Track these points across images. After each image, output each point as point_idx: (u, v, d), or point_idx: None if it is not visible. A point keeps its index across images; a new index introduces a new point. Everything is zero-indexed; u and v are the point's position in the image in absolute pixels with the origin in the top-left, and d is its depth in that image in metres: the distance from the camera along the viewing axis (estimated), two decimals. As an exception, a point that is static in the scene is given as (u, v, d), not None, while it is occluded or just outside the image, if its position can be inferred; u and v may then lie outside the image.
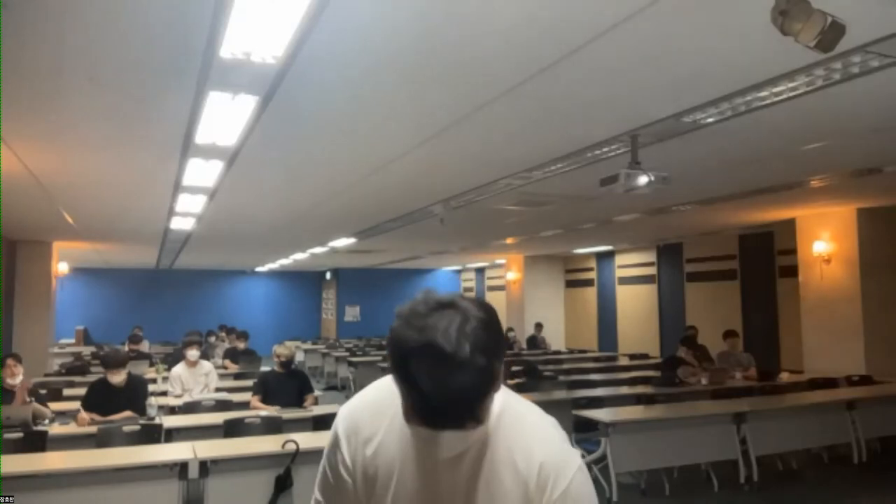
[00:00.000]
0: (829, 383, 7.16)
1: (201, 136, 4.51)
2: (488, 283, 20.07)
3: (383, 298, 20.49)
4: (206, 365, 7.14)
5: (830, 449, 6.54)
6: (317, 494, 1.38)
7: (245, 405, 6.01)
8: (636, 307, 14.22)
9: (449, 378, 1.03)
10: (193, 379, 6.87)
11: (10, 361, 5.19)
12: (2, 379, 5.12)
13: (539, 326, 14.23)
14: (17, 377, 5.18)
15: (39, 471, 3.89)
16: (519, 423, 1.24)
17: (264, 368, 8.45)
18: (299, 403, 5.93)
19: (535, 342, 13.76)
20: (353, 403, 1.36)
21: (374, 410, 1.30)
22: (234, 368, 9.62)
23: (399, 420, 1.20)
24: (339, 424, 1.33)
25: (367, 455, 1.27)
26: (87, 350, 13.36)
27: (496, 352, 1.09)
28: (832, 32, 2.25)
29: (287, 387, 6.02)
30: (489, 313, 1.11)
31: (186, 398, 6.38)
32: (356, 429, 1.30)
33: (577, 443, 5.71)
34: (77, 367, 9.43)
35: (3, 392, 5.04)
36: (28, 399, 5.19)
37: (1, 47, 2.91)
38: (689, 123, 4.23)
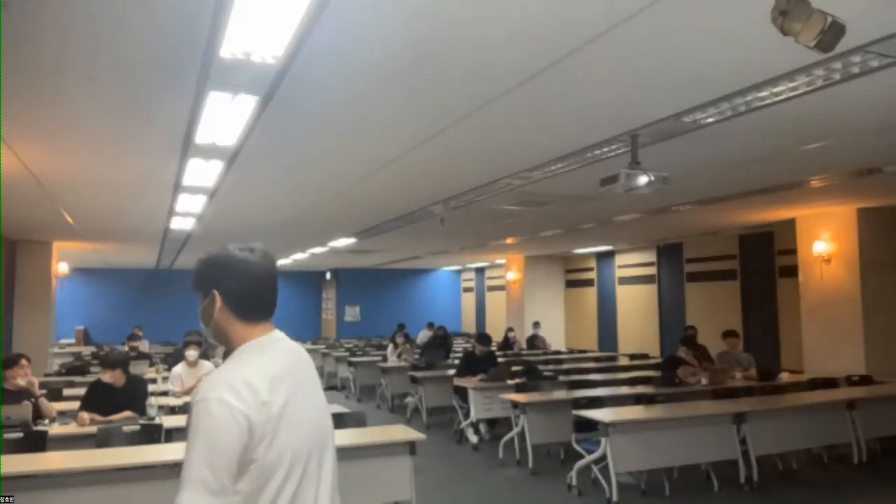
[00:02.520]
0: (829, 383, 7.15)
1: (201, 136, 4.51)
2: (488, 283, 20.06)
3: (383, 298, 20.49)
4: (207, 365, 7.15)
5: (830, 449, 6.54)
6: None
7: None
8: (636, 307, 14.22)
9: None
10: (193, 379, 6.87)
11: (23, 362, 5.20)
12: (4, 379, 5.11)
13: (536, 325, 14.25)
14: (27, 378, 5.19)
15: (39, 471, 3.89)
16: (223, 365, 1.63)
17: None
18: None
19: (534, 342, 13.75)
20: None
21: None
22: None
23: None
24: None
25: None
26: (87, 350, 13.37)
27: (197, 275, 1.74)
28: (832, 32, 2.25)
29: None
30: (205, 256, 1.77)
31: (186, 398, 6.37)
32: None
33: (577, 443, 5.72)
34: (77, 367, 9.41)
35: (12, 393, 5.03)
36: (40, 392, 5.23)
37: (1, 47, 2.91)
38: (689, 123, 4.23)
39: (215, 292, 1.65)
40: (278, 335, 1.70)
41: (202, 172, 5.70)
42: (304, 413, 1.62)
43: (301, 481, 1.57)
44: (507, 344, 13.55)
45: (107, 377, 5.29)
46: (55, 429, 4.98)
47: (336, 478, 1.71)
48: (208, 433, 1.45)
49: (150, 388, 5.88)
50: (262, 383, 1.53)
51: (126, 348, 10.37)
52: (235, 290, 1.66)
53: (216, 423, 1.46)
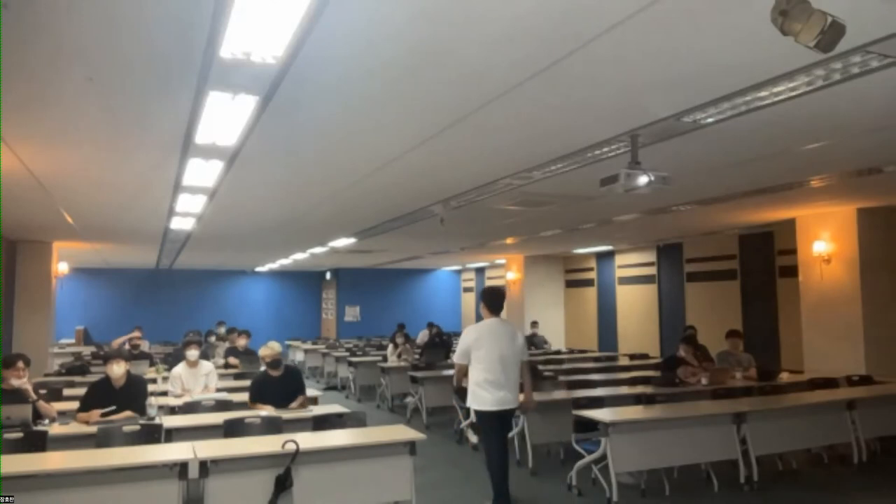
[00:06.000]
0: (829, 383, 7.15)
1: (201, 136, 4.52)
2: (488, 283, 20.04)
3: (383, 298, 20.50)
4: (207, 365, 7.14)
5: (830, 449, 6.55)
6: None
7: (245, 405, 6.01)
8: (636, 307, 14.22)
9: None
10: (194, 379, 6.88)
11: (20, 364, 5.18)
12: (3, 379, 5.11)
13: (534, 324, 14.25)
14: (21, 379, 5.17)
15: (39, 471, 3.88)
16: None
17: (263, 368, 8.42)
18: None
19: (533, 341, 13.74)
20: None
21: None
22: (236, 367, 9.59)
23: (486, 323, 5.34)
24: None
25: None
26: (87, 350, 13.35)
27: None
28: (832, 32, 2.24)
29: (280, 387, 6.01)
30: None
31: (186, 398, 6.37)
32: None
33: (577, 443, 5.72)
34: (77, 367, 9.40)
35: (12, 393, 5.02)
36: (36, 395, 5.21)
37: (1, 47, 2.91)
38: (689, 123, 4.23)
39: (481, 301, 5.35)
40: (497, 320, 5.23)
41: (202, 172, 5.70)
42: (495, 345, 5.05)
43: (493, 367, 5.02)
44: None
45: (113, 369, 5.30)
46: (55, 429, 4.97)
47: (517, 372, 5.17)
48: (461, 341, 5.25)
49: (150, 388, 5.88)
50: (474, 332, 5.18)
51: (127, 347, 10.35)
52: (484, 301, 5.32)
53: (463, 338, 5.24)
